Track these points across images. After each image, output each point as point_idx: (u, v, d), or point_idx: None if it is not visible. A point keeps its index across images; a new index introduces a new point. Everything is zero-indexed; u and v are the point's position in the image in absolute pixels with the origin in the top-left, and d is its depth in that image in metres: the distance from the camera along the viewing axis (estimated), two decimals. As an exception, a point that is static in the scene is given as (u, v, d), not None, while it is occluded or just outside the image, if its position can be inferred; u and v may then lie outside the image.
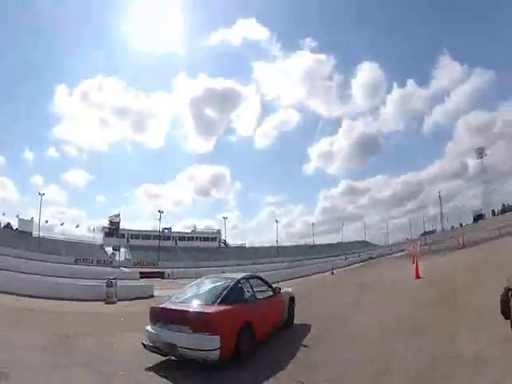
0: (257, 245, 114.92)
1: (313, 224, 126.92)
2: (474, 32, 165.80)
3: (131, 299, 19.55)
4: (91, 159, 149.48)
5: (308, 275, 38.07)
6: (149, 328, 7.23)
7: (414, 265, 19.60)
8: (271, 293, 9.57)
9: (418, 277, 18.41)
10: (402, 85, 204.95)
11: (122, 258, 77.60)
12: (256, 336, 7.54)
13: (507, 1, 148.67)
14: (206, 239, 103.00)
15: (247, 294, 8.28)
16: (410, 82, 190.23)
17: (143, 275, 42.37)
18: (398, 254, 59.70)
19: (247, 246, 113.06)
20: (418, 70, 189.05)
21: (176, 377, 6.31)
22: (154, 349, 6.86)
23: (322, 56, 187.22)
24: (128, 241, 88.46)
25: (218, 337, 6.32)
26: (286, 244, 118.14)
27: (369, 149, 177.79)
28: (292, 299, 10.75)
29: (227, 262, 76.62)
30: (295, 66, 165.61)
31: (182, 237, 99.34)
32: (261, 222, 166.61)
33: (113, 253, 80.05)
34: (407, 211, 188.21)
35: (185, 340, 6.44)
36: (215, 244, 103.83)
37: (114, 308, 17.35)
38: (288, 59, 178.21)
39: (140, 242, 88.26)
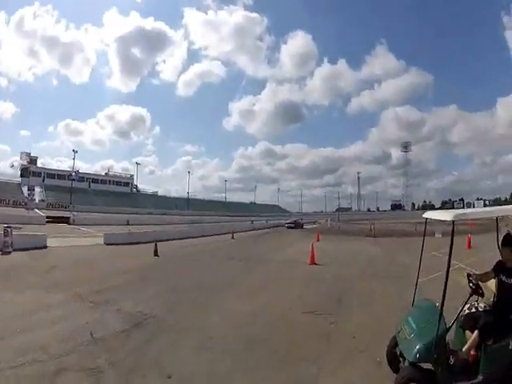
0: (172, 194, 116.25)
1: (226, 181, 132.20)
2: (423, 34, 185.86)
3: (28, 249, 18.43)
4: (18, 90, 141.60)
5: (210, 235, 35.95)
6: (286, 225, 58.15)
7: (312, 247, 17.19)
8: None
9: (312, 262, 16.16)
10: (333, 62, 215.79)
11: (39, 199, 70.82)
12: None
13: (460, 17, 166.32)
14: (119, 183, 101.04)
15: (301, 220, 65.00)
16: (342, 62, 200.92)
17: (49, 220, 41.20)
18: (308, 227, 58.23)
19: (160, 194, 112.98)
20: (351, 52, 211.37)
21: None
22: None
23: (256, 15, 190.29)
24: (44, 180, 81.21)
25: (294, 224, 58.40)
26: (199, 197, 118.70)
27: (291, 116, 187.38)
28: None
29: (138, 209, 75.62)
30: (227, 19, 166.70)
31: (96, 179, 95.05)
32: (177, 171, 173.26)
33: (29, 193, 73.26)
34: (324, 184, 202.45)
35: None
36: (128, 189, 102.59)
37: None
38: (221, 11, 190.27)
39: (56, 182, 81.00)
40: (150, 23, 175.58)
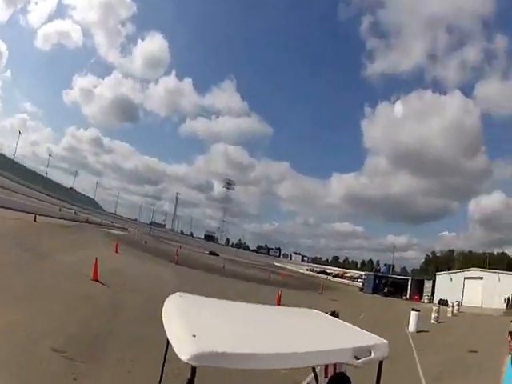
0: (4, 150, 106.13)
1: (50, 156, 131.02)
2: (275, 91, 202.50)
3: None
4: None
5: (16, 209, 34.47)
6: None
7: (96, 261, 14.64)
8: None
9: (95, 278, 13.98)
10: (181, 78, 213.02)
11: None
12: None
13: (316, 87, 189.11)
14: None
15: None
16: (188, 81, 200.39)
17: None
18: (114, 232, 55.09)
19: None
20: (201, 77, 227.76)
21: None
22: None
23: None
24: None
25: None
26: (27, 163, 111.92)
27: (126, 114, 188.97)
28: None
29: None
30: None
31: None
32: (14, 126, 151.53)
33: None
34: (143, 193, 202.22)
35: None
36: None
37: None
38: None
39: None
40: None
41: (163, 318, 2.32)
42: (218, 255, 73.97)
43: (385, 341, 2.58)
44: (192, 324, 2.07)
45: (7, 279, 10.61)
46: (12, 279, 10.81)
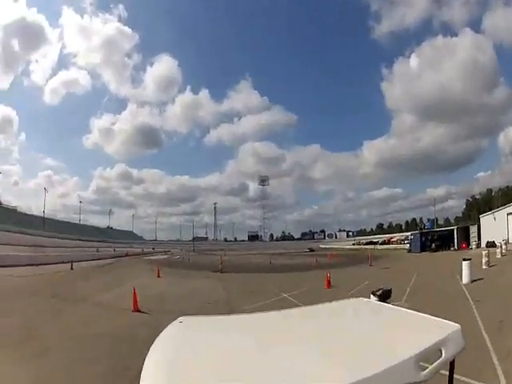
0: (33, 210, 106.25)
1: (81, 202, 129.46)
2: (293, 76, 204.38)
3: None
4: None
5: (54, 263, 35.82)
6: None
7: (134, 291, 14.22)
8: None
9: (136, 309, 13.51)
10: (196, 91, 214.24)
11: None
12: None
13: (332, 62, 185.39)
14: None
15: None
16: (204, 92, 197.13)
17: None
18: (155, 257, 55.29)
19: (19, 210, 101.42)
20: (215, 84, 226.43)
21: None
22: None
23: (129, 30, 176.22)
24: None
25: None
26: (58, 217, 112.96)
27: (149, 140, 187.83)
28: None
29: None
30: (100, 28, 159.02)
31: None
32: (39, 185, 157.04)
33: None
34: (180, 212, 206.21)
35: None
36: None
37: None
38: (96, 18, 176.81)
39: None
40: (32, 14, 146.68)
41: (145, 361, 1.57)
42: (314, 251, 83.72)
43: (456, 326, 1.87)
44: (173, 373, 1.44)
45: (40, 332, 10.30)
46: (47, 330, 10.60)
